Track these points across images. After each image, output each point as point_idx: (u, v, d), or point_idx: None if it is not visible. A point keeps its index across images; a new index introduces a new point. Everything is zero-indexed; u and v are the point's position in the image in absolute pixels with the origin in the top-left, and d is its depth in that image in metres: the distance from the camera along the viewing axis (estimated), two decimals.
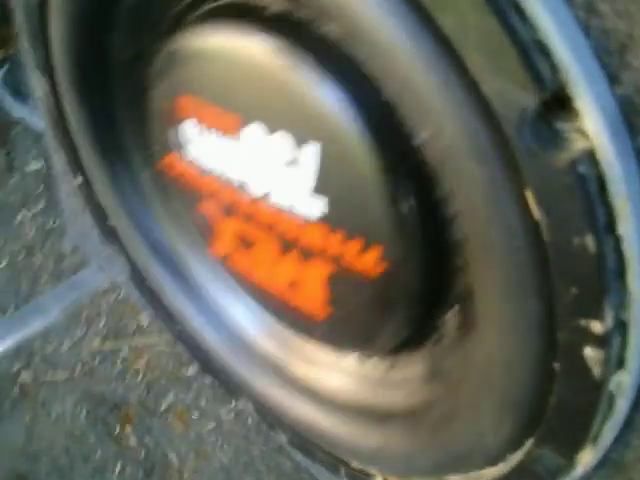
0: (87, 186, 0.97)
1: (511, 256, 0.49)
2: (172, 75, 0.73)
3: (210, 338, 0.95)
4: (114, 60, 0.82)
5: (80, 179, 0.97)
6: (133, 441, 1.09)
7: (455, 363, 0.66)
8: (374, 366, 0.77)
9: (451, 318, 0.65)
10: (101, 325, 1.25)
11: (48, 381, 1.16)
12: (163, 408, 1.12)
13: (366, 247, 0.63)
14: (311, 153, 0.61)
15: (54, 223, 1.43)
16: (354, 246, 0.64)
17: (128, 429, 1.09)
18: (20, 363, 1.18)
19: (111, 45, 0.81)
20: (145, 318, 1.24)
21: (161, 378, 1.17)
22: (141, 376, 1.17)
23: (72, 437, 1.08)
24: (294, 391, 0.86)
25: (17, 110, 1.59)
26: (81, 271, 1.33)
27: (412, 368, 0.72)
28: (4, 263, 1.36)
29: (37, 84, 0.92)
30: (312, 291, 0.72)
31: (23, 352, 1.20)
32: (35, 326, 1.23)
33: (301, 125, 0.61)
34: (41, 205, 1.47)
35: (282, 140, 0.63)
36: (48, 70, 0.86)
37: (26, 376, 1.16)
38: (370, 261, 0.63)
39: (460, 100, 0.45)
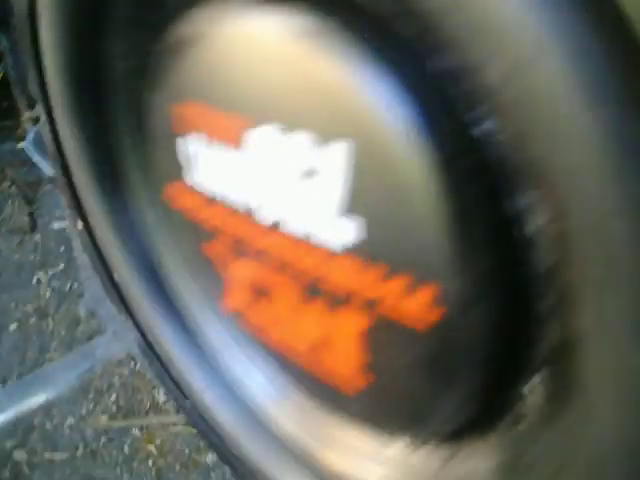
0: (89, 232, 0.83)
1: None
2: (173, 79, 0.60)
3: (223, 416, 0.77)
4: (109, 74, 0.70)
5: (81, 224, 0.83)
6: None
7: (543, 452, 0.47)
8: (427, 456, 0.58)
9: (537, 387, 0.47)
10: (111, 400, 1.09)
11: (45, 462, 0.99)
12: None
13: (414, 287, 0.46)
14: (338, 156, 0.46)
15: (72, 286, 1.30)
16: (397, 286, 0.47)
17: None
18: (16, 440, 1.04)
19: (105, 56, 0.68)
20: (162, 394, 1.07)
21: (175, 465, 1.00)
22: (152, 461, 0.99)
23: None
24: None
25: (47, 169, 1.51)
26: (95, 339, 1.19)
27: (480, 460, 0.53)
28: (13, 327, 1.23)
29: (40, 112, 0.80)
30: (344, 351, 0.55)
31: (20, 427, 1.06)
32: (37, 398, 1.09)
33: (326, 120, 0.46)
34: (61, 266, 1.36)
35: (300, 142, 0.48)
36: (42, 90, 0.73)
37: (21, 455, 1.01)
38: (419, 307, 0.47)
39: None
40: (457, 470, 0.55)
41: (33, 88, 0.76)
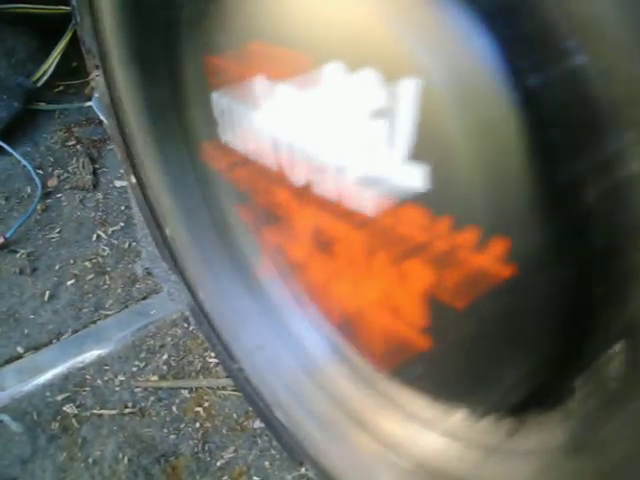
0: (141, 187, 0.82)
1: None
2: (236, 21, 0.57)
3: (272, 379, 0.75)
4: (156, 21, 0.68)
5: (133, 179, 0.82)
6: None
7: (616, 433, 0.43)
8: (488, 429, 0.55)
9: (612, 359, 0.43)
10: (162, 360, 1.09)
11: (93, 417, 1.00)
12: (219, 465, 0.94)
13: (484, 241, 0.42)
14: (406, 96, 0.42)
15: (130, 245, 1.31)
16: (466, 240, 0.44)
17: None
18: (67, 394, 1.04)
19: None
20: (213, 357, 1.06)
21: (222, 428, 0.99)
22: (199, 424, 0.99)
23: None
24: (374, 456, 0.64)
25: None
26: (150, 298, 1.19)
27: (545, 436, 0.50)
28: (70, 282, 1.24)
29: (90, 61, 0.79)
30: (405, 312, 0.52)
31: (72, 382, 1.07)
32: (90, 355, 1.10)
33: (394, 55, 0.43)
34: (120, 224, 1.36)
35: (366, 81, 0.44)
36: (96, 38, 0.72)
37: (70, 409, 1.02)
38: (489, 263, 0.43)
39: None
40: (520, 446, 0.51)
41: (87, 36, 0.75)
